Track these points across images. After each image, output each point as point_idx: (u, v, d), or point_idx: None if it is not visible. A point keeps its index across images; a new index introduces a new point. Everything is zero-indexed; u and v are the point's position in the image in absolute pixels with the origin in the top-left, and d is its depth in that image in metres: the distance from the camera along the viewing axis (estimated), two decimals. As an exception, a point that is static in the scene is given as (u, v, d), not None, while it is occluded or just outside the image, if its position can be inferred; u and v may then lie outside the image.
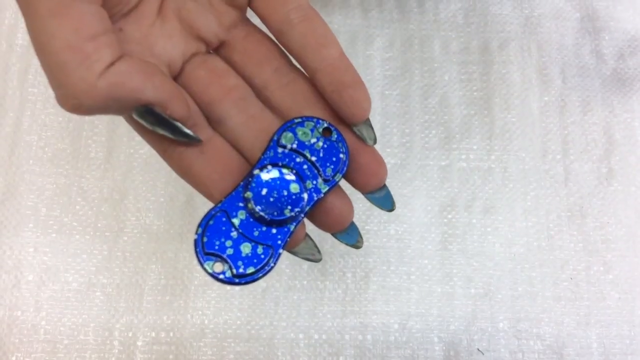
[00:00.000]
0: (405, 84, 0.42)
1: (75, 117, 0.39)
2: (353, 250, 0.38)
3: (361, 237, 0.24)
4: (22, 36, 0.41)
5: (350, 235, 0.24)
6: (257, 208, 0.22)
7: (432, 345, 0.37)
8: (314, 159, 0.23)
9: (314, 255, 0.24)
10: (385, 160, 0.40)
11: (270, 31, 0.24)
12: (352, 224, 0.24)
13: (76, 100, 0.19)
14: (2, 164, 0.38)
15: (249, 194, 0.22)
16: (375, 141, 0.24)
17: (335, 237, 0.24)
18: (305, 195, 0.22)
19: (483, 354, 0.37)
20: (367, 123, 0.23)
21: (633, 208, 0.40)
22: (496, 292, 0.38)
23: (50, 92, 0.39)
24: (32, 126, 0.39)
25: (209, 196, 0.23)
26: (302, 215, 0.22)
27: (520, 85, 0.42)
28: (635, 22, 0.44)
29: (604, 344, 0.37)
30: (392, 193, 0.39)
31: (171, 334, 0.36)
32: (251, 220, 0.22)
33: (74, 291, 0.36)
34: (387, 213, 0.39)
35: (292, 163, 0.22)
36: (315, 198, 0.22)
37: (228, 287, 0.36)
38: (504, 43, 0.43)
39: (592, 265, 0.39)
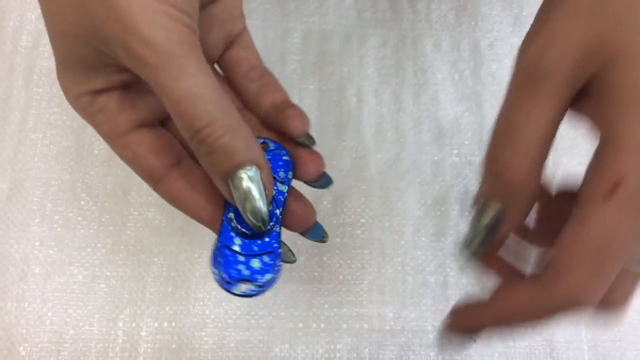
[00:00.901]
0: (398, 82, 0.43)
1: (79, 116, 0.40)
2: (349, 242, 0.40)
3: (326, 233, 0.28)
4: (26, 38, 0.42)
5: (315, 232, 0.28)
6: (240, 226, 0.25)
7: (427, 334, 0.38)
8: None
9: (289, 258, 0.27)
10: (380, 156, 0.41)
11: (231, 81, 0.29)
12: (316, 223, 0.28)
13: None
14: (8, 161, 0.39)
15: (231, 215, 0.25)
16: (314, 143, 0.27)
17: (303, 236, 0.27)
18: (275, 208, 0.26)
19: (475, 341, 0.38)
20: (308, 135, 0.27)
21: (620, 200, 0.41)
22: (488, 282, 0.39)
23: (55, 92, 0.41)
24: (37, 124, 0.40)
25: (199, 219, 0.26)
26: (280, 217, 0.26)
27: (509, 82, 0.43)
28: (620, 21, 0.45)
29: (592, 331, 0.39)
30: (387, 187, 0.41)
31: (173, 324, 0.37)
32: (246, 241, 0.25)
33: (79, 283, 0.38)
34: (383, 205, 0.40)
35: None
36: (282, 199, 0.26)
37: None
38: (493, 42, 0.44)
39: (581, 255, 0.40)
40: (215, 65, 0.29)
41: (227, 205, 0.25)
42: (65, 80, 0.24)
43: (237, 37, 0.28)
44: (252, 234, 0.25)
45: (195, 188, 0.25)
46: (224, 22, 0.27)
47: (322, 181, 0.28)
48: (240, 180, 0.22)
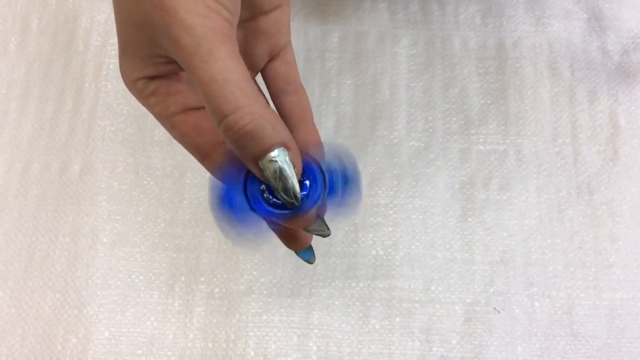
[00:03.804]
0: (428, 77, 0.47)
1: (141, 107, 0.45)
2: (382, 221, 0.43)
3: (314, 256, 0.32)
4: (95, 38, 0.48)
5: (306, 253, 0.32)
6: (271, 196, 0.25)
7: (453, 305, 0.42)
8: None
9: (323, 231, 0.30)
10: (410, 144, 0.45)
11: (270, 92, 0.31)
12: (310, 246, 0.31)
13: None
14: (80, 145, 0.45)
15: (263, 187, 0.25)
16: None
17: (296, 254, 0.32)
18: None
19: (499, 312, 0.41)
20: None
21: (636, 186, 0.44)
22: (511, 260, 0.43)
23: (121, 85, 0.46)
24: (105, 114, 0.45)
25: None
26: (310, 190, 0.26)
27: (532, 77, 0.47)
28: (638, 21, 0.49)
29: (610, 307, 0.41)
30: (417, 172, 0.45)
31: (224, 290, 0.41)
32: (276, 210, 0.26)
33: (141, 253, 0.42)
34: (414, 188, 0.44)
35: None
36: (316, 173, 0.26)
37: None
38: (517, 41, 0.48)
39: (599, 235, 0.43)
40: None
41: (250, 182, 0.26)
42: (125, 66, 0.26)
43: (281, 52, 0.30)
44: (283, 206, 0.25)
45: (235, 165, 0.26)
46: (270, 35, 0.29)
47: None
48: (270, 163, 0.23)
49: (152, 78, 0.26)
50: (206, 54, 0.22)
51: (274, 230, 0.29)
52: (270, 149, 0.23)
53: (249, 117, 0.22)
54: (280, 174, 0.24)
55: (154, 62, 0.26)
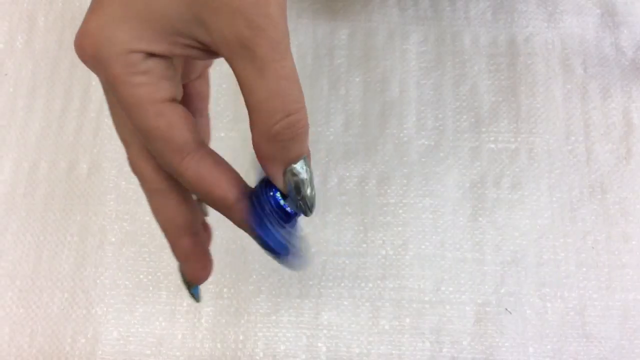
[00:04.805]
0: (438, 74, 0.46)
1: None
2: (392, 220, 0.43)
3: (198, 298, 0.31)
4: (103, 36, 0.47)
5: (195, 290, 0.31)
6: (286, 206, 0.24)
7: (464, 306, 0.41)
8: None
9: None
10: (420, 142, 0.45)
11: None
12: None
13: None
14: (87, 144, 0.44)
15: (278, 194, 0.25)
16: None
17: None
18: None
19: (511, 313, 0.41)
20: None
21: (651, 184, 0.43)
22: (522, 260, 0.42)
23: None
24: (112, 112, 0.45)
25: (223, 200, 0.25)
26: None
27: (544, 74, 0.46)
28: (653, 17, 0.48)
29: (623, 307, 0.41)
30: (427, 171, 0.44)
31: (232, 290, 0.41)
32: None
33: (149, 252, 0.42)
34: (424, 187, 0.43)
35: None
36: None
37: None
38: (529, 37, 0.47)
39: (612, 235, 0.42)
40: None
41: (265, 189, 0.25)
42: (120, 32, 0.22)
43: (206, 70, 0.29)
44: (291, 217, 0.25)
45: (221, 167, 0.24)
46: None
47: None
48: (302, 168, 0.24)
49: (151, 55, 0.23)
50: (284, 50, 0.23)
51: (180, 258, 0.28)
52: (305, 153, 0.24)
53: (306, 119, 0.23)
54: (307, 181, 0.24)
55: (173, 41, 0.23)
